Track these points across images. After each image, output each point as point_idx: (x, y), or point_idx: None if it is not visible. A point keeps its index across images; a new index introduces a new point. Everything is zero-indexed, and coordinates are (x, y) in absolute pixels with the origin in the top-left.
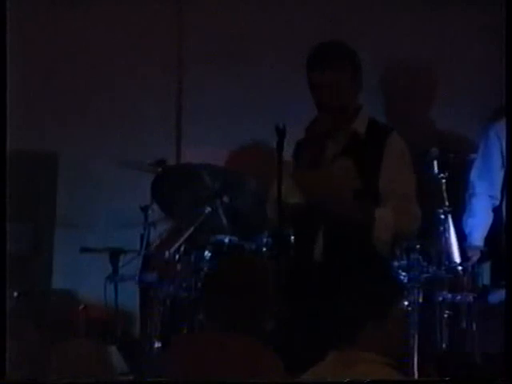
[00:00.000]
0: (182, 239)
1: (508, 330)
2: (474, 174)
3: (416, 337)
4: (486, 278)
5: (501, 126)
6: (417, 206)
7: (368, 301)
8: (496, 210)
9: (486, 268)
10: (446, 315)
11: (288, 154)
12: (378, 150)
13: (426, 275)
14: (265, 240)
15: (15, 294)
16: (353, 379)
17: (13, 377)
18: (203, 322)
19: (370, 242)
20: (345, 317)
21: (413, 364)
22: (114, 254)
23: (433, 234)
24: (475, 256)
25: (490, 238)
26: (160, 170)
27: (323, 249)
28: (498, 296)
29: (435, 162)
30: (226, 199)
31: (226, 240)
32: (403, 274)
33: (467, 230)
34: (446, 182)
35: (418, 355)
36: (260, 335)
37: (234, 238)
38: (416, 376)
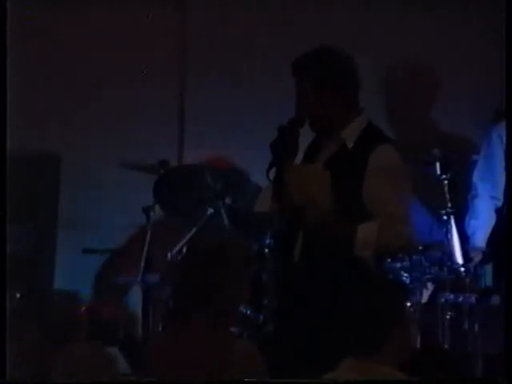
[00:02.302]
0: (184, 240)
1: (508, 330)
2: (476, 176)
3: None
4: (488, 279)
5: (503, 128)
6: (405, 225)
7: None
8: (498, 212)
9: (488, 269)
10: (448, 316)
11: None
12: (362, 165)
13: (428, 276)
14: (267, 241)
15: (17, 295)
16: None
17: (14, 377)
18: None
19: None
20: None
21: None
22: (117, 255)
23: (435, 236)
24: (477, 257)
25: (493, 239)
26: (162, 171)
27: (301, 252)
28: (499, 297)
29: (437, 164)
30: (228, 200)
31: None
32: (405, 275)
33: (469, 232)
34: (448, 184)
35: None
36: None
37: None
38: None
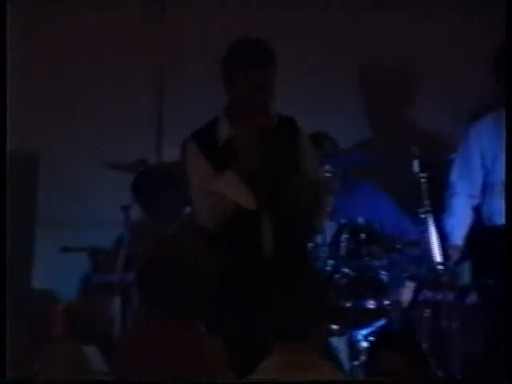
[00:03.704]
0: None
1: (508, 330)
2: (454, 174)
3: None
4: (466, 277)
5: (481, 126)
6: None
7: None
8: (476, 210)
9: (466, 267)
10: (426, 314)
11: None
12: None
13: (406, 274)
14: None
15: None
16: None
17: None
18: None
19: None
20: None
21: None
22: (95, 254)
23: (413, 234)
24: (455, 255)
25: (470, 237)
26: (141, 169)
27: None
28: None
29: (415, 162)
30: None
31: None
32: (384, 273)
33: (447, 230)
34: (426, 182)
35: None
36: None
37: None
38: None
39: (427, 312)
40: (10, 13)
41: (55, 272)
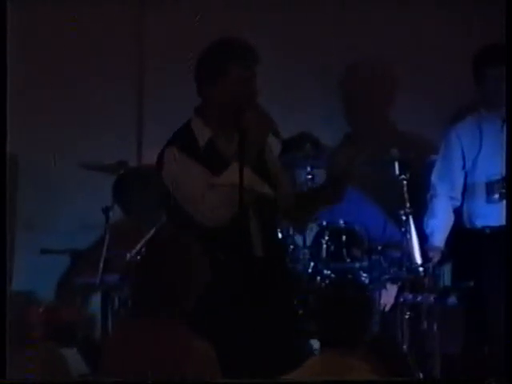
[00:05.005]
0: (143, 241)
1: (508, 330)
2: (434, 176)
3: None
4: (446, 278)
5: (461, 128)
6: None
7: None
8: (456, 212)
9: (447, 269)
10: (406, 316)
11: None
12: None
13: (387, 276)
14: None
15: None
16: (352, 379)
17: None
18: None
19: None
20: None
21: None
22: (75, 256)
23: (394, 235)
24: (436, 257)
25: (451, 239)
26: (121, 171)
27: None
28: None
29: (396, 164)
30: None
31: None
32: (364, 275)
33: (428, 231)
34: (406, 184)
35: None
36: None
37: None
38: None
39: (408, 314)
40: (10, 13)
41: (35, 274)
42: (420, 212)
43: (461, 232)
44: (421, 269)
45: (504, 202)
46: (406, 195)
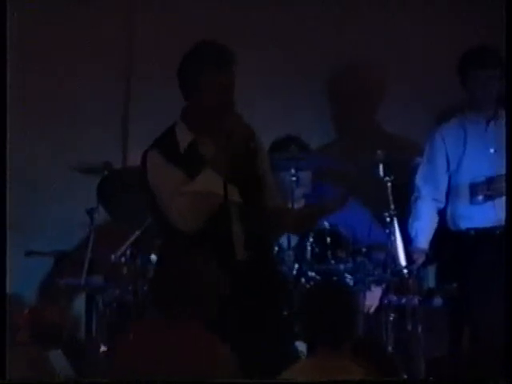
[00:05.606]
0: (128, 242)
1: (508, 330)
2: (419, 178)
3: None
4: (431, 280)
5: (446, 130)
6: None
7: None
8: (441, 213)
9: (431, 271)
10: (391, 318)
11: None
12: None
13: (371, 278)
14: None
15: None
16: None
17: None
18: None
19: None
20: None
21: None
22: (60, 257)
23: (378, 237)
24: (420, 259)
25: (435, 240)
26: (106, 172)
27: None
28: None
29: (381, 166)
30: None
31: None
32: (349, 276)
33: (412, 233)
34: (391, 186)
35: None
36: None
37: None
38: None
39: (392, 315)
40: (10, 12)
41: (19, 276)
42: (404, 214)
43: (445, 234)
44: (405, 271)
45: (488, 203)
46: (391, 197)
